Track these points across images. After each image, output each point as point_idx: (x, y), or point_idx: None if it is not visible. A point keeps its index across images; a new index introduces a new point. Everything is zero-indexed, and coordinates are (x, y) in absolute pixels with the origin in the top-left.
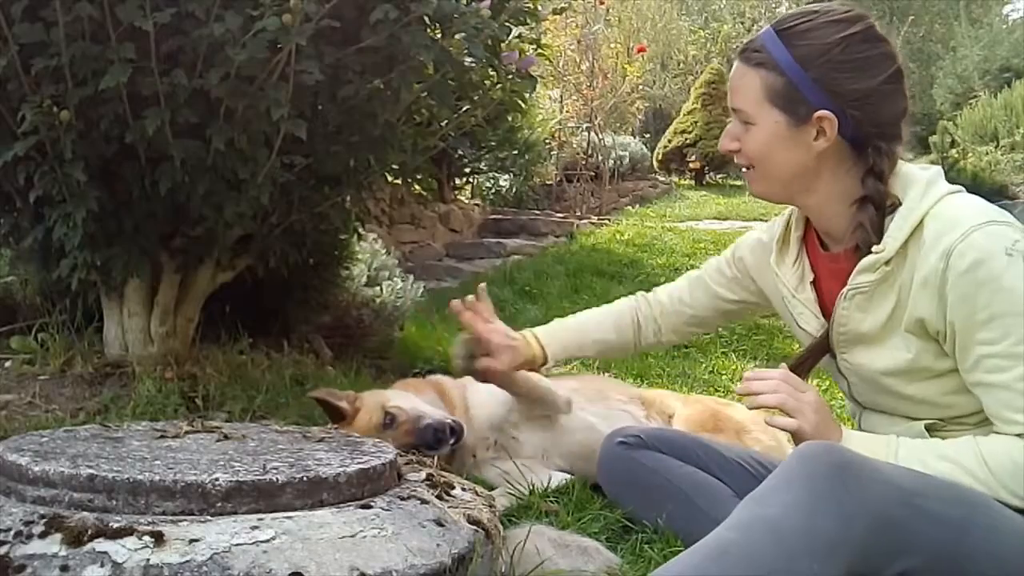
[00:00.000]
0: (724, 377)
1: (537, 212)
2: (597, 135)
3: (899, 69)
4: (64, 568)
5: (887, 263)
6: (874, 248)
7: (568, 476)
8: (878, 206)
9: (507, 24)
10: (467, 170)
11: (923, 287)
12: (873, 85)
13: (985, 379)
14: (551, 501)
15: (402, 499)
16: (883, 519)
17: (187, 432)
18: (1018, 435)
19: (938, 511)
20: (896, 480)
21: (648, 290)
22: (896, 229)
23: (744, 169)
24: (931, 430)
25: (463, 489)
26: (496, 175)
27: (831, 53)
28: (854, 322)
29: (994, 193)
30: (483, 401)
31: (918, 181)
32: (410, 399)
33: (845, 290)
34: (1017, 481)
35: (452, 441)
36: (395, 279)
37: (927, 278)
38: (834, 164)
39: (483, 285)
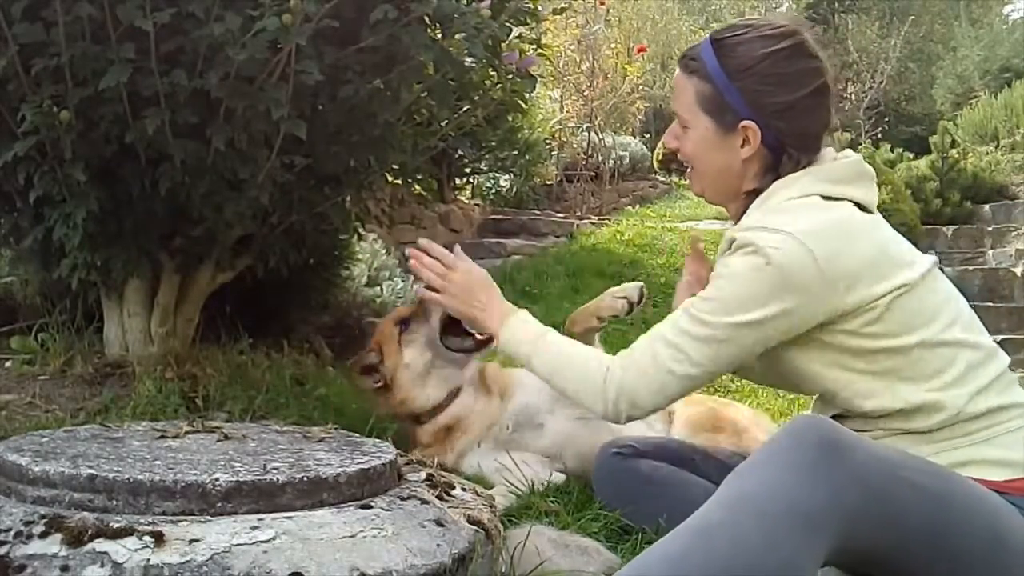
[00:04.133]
0: (724, 377)
1: (537, 212)
2: (597, 135)
3: (825, 84)
4: (64, 568)
5: None
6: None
7: (562, 476)
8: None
9: (507, 24)
10: (467, 170)
11: None
12: (793, 99)
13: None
14: (551, 501)
15: (402, 499)
16: (872, 492)
17: (187, 432)
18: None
19: (921, 483)
20: (881, 453)
21: (647, 289)
22: (729, 232)
23: (688, 169)
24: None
25: (463, 489)
26: (496, 175)
27: (757, 67)
28: None
29: (994, 193)
30: (529, 387)
31: (772, 188)
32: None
33: None
34: (568, 379)
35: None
36: (395, 279)
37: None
38: (758, 169)
39: None
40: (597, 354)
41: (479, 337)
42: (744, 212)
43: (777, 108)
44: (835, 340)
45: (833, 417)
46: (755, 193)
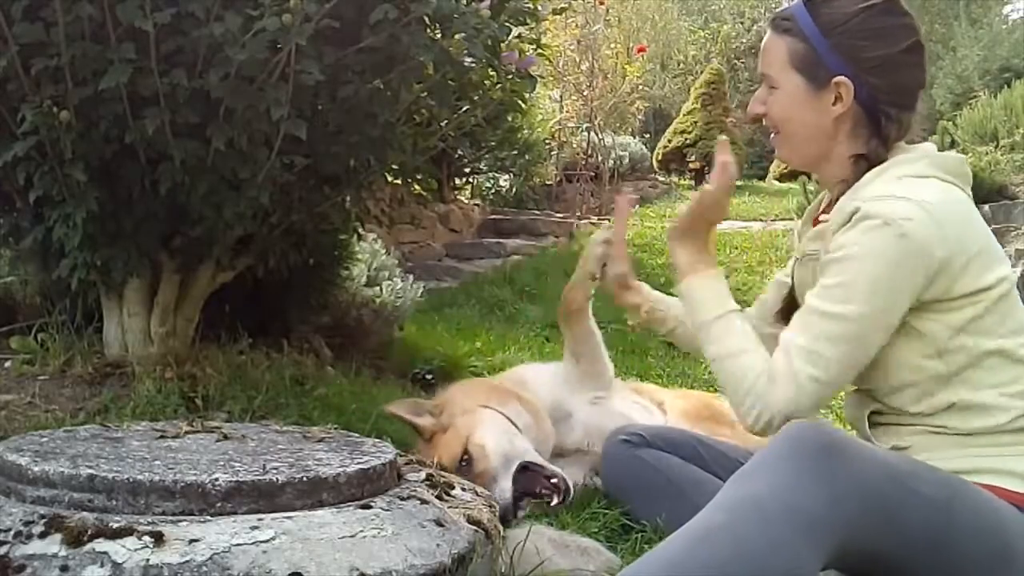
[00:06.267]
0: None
1: (537, 212)
2: (597, 135)
3: (919, 42)
4: (64, 568)
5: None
6: (821, 218)
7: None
8: (870, 166)
9: (507, 24)
10: (467, 170)
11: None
12: (890, 53)
13: (807, 294)
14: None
15: (402, 499)
16: (873, 497)
17: (187, 432)
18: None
19: (926, 491)
20: (883, 459)
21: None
22: (844, 201)
23: (772, 135)
24: (873, 416)
25: (463, 489)
26: (496, 175)
27: (851, 22)
28: (808, 287)
29: (994, 193)
30: (547, 380)
31: (891, 161)
32: (498, 434)
33: (799, 255)
34: (731, 392)
35: (522, 513)
36: (395, 279)
37: (833, 228)
38: (849, 130)
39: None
40: (761, 359)
41: (547, 496)
42: (846, 178)
43: (872, 63)
44: (929, 330)
45: (870, 413)
46: (863, 159)
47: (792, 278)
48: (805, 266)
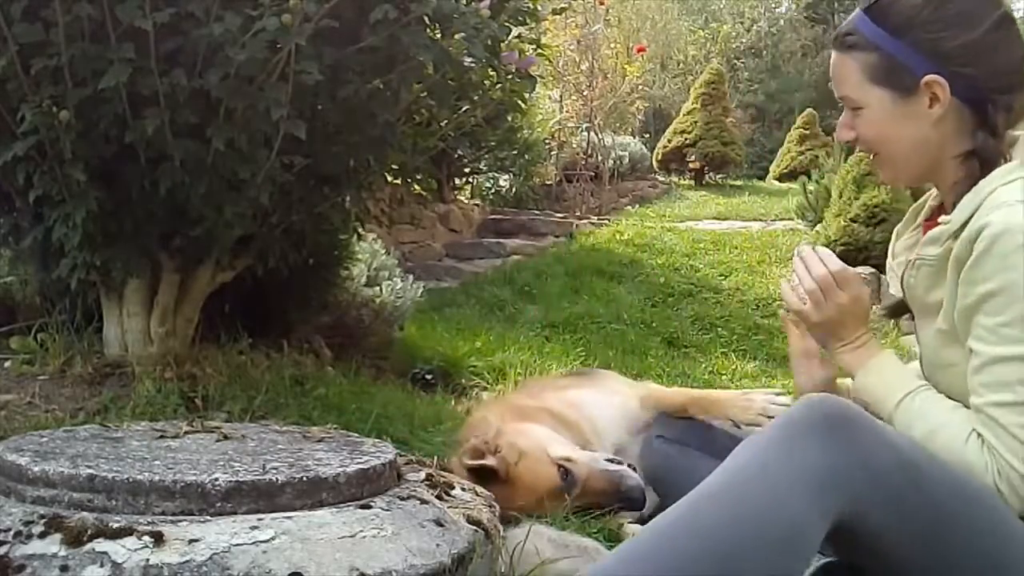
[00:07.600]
0: (724, 377)
1: (537, 212)
2: (597, 135)
3: (1005, 14)
4: (64, 568)
5: (953, 237)
6: (940, 219)
7: None
8: (985, 162)
9: (507, 24)
10: (467, 170)
11: (954, 265)
12: (976, 37)
13: (971, 344)
14: None
15: (402, 499)
16: (878, 475)
17: (187, 432)
18: (974, 430)
19: (937, 488)
20: (898, 443)
21: (646, 289)
22: (967, 201)
23: (872, 158)
24: None
25: (463, 489)
26: (496, 175)
27: (922, 15)
28: (919, 292)
29: None
30: (609, 416)
31: (1020, 160)
32: (567, 443)
33: (913, 258)
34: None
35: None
36: (395, 279)
37: (958, 255)
38: (955, 130)
39: None
40: (972, 445)
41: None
42: (958, 180)
43: (959, 52)
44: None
45: None
46: (972, 156)
47: (902, 284)
48: (917, 270)
